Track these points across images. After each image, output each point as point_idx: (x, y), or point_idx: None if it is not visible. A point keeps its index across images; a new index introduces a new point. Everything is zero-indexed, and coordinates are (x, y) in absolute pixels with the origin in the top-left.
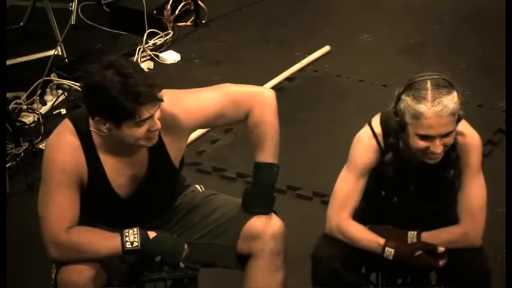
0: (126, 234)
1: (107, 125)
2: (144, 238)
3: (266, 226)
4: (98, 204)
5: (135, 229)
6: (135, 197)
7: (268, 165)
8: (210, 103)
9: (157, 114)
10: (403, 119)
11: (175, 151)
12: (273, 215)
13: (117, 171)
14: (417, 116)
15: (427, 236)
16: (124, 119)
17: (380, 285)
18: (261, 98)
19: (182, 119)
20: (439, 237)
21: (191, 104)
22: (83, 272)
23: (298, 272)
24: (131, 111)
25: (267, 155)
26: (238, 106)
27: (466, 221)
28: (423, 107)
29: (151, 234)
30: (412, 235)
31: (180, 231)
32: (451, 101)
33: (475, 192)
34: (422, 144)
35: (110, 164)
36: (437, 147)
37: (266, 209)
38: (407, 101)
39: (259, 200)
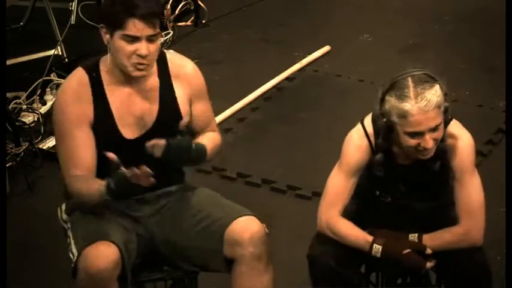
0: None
1: (107, 36)
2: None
3: (244, 231)
4: (103, 144)
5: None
6: (140, 140)
7: (202, 146)
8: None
9: (150, 47)
10: (390, 119)
11: (183, 100)
12: (254, 218)
13: (124, 109)
14: (403, 115)
15: (428, 238)
16: (114, 27)
17: (380, 285)
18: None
19: (189, 76)
20: (440, 238)
21: (195, 73)
22: (103, 259)
23: (298, 272)
24: (119, 18)
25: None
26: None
27: (465, 221)
28: (407, 105)
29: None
30: (413, 237)
31: (168, 229)
32: (433, 94)
33: (472, 191)
34: (412, 142)
35: (117, 101)
36: (428, 143)
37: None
38: (391, 101)
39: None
